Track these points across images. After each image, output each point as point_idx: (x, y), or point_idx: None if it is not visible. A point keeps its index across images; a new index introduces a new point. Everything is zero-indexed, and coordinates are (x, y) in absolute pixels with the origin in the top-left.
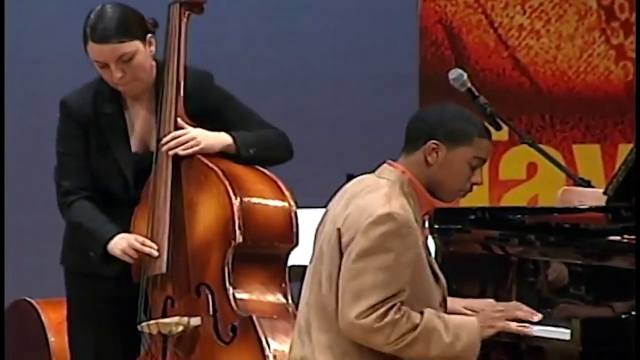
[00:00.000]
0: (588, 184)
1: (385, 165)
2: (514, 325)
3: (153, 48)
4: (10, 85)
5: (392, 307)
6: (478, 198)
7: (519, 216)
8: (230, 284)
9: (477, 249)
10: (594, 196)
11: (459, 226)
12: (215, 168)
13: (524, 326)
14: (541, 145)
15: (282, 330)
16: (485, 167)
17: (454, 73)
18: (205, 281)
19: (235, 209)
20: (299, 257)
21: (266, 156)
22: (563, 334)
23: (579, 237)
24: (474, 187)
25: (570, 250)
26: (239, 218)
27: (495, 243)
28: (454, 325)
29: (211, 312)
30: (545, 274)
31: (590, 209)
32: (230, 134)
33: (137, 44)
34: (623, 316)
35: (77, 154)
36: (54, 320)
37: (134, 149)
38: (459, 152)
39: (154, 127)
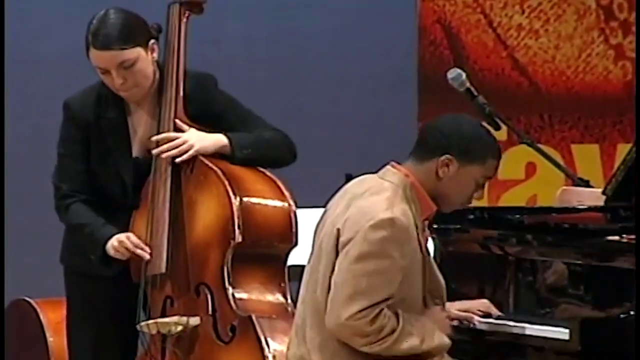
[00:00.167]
0: (587, 184)
1: (388, 167)
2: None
3: (155, 54)
4: (10, 85)
5: (381, 311)
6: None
7: (517, 216)
8: (229, 283)
9: (475, 249)
10: (593, 196)
11: (458, 226)
12: (215, 168)
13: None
14: (540, 145)
15: (281, 330)
16: None
17: (453, 73)
18: (204, 281)
19: (235, 208)
20: (298, 256)
21: (264, 157)
22: (562, 333)
23: (577, 237)
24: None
25: (569, 250)
26: (238, 218)
27: (494, 243)
28: (421, 327)
29: (210, 312)
30: (543, 274)
31: (589, 208)
32: (227, 135)
33: (138, 51)
34: (622, 316)
35: (77, 157)
36: (53, 319)
37: (134, 153)
38: (470, 169)
39: (156, 132)
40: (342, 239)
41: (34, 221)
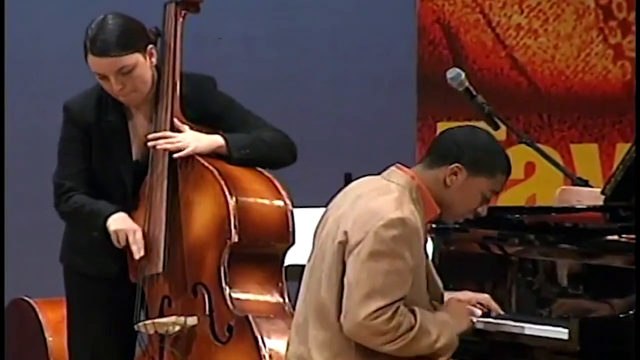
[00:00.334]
0: (586, 184)
1: (393, 168)
2: (478, 311)
3: (154, 59)
4: (10, 85)
5: (397, 309)
6: None
7: (517, 216)
8: (226, 283)
9: (475, 249)
10: (592, 195)
11: (457, 225)
12: (212, 168)
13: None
14: (539, 145)
15: (278, 329)
16: None
17: (452, 72)
18: (201, 281)
19: (231, 208)
20: (297, 256)
21: (262, 158)
22: (561, 333)
23: (577, 236)
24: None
25: (569, 249)
26: (234, 217)
27: (493, 242)
28: (438, 322)
29: (207, 312)
30: (543, 274)
31: (588, 208)
32: (223, 136)
33: (137, 57)
34: (621, 315)
35: (78, 156)
36: (52, 319)
37: (134, 157)
38: (478, 181)
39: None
40: (351, 240)
41: (34, 221)
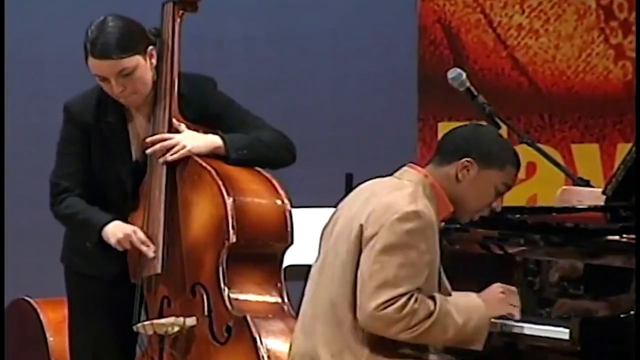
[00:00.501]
0: (587, 184)
1: (406, 167)
2: (517, 312)
3: (154, 60)
4: (10, 85)
5: (411, 297)
6: None
7: (517, 216)
8: (224, 284)
9: (475, 249)
10: (593, 196)
11: (458, 225)
12: (209, 168)
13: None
14: (540, 145)
15: (277, 329)
16: None
17: (453, 72)
18: (200, 281)
19: (229, 208)
20: (297, 256)
21: (261, 158)
22: (562, 333)
23: (578, 236)
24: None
25: (569, 249)
26: (232, 217)
27: (494, 242)
28: (464, 307)
29: (206, 313)
30: (543, 274)
31: (589, 208)
32: (221, 136)
33: (137, 59)
34: (622, 316)
35: (76, 156)
36: (53, 319)
37: (134, 157)
38: (490, 174)
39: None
40: (365, 234)
41: (34, 221)
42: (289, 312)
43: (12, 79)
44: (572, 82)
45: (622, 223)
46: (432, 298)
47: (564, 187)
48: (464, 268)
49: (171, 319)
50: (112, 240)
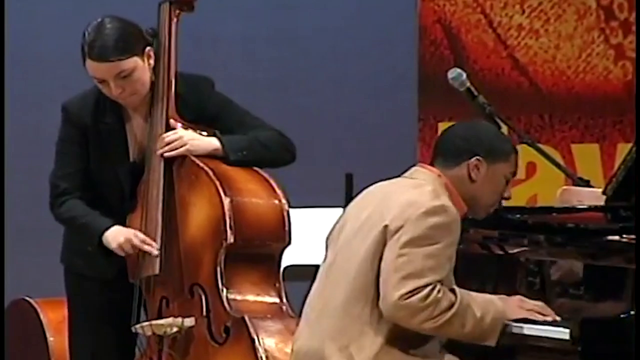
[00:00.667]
0: (587, 184)
1: (417, 167)
2: (539, 316)
3: (152, 61)
4: (10, 85)
5: (433, 288)
6: None
7: (518, 216)
8: (223, 284)
9: (476, 249)
10: (593, 196)
11: None
12: (206, 168)
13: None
14: (540, 145)
15: (275, 330)
16: None
17: (453, 72)
18: (198, 282)
19: (226, 208)
20: (297, 257)
21: (260, 158)
22: (562, 333)
23: (578, 236)
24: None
25: (570, 250)
26: (229, 218)
27: (494, 243)
28: (482, 302)
29: (204, 313)
30: (543, 274)
31: (589, 208)
32: (220, 138)
33: (135, 60)
34: (622, 316)
35: (75, 156)
36: (53, 319)
37: (132, 158)
38: (498, 167)
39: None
40: (389, 229)
41: (34, 221)
42: (288, 312)
43: (12, 79)
44: (572, 82)
45: (622, 223)
46: (453, 291)
47: (564, 187)
48: (465, 268)
49: (169, 320)
50: (113, 245)
